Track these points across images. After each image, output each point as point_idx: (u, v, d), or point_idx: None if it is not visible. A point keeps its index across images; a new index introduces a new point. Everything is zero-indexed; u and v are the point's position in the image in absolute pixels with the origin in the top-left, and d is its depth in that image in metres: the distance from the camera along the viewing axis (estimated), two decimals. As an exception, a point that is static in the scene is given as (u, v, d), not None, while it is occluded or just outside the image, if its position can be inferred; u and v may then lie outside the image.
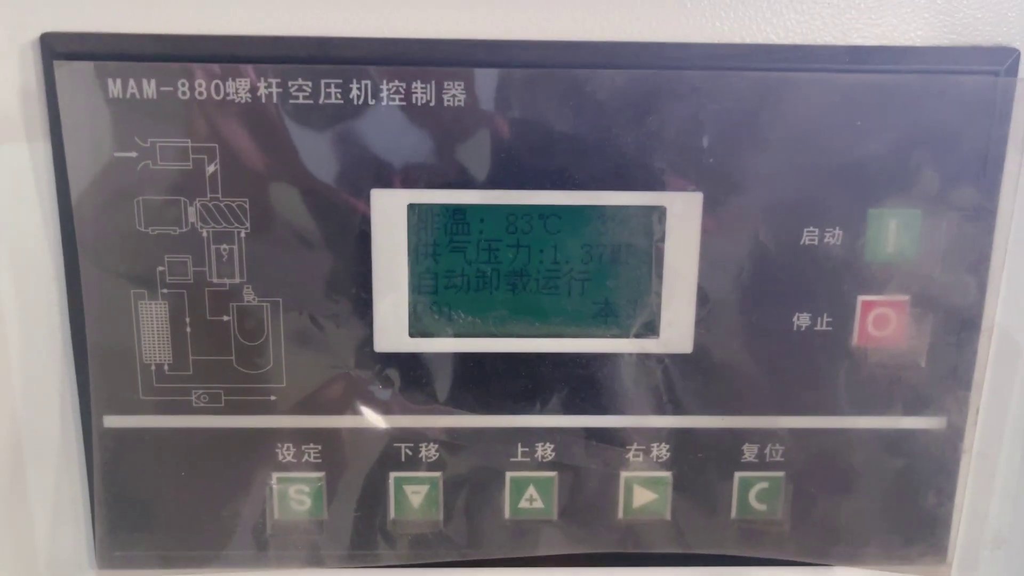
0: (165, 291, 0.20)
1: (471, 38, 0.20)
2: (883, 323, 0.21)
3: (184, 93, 0.19)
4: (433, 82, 0.19)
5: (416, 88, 0.19)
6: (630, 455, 0.22)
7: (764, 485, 0.22)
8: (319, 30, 0.19)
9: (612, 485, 0.22)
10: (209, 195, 0.20)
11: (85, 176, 0.20)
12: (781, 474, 0.22)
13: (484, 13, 0.20)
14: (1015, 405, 0.22)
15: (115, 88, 0.19)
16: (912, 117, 0.20)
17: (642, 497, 0.22)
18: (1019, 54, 0.20)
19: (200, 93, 0.19)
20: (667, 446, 0.22)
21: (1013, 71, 0.20)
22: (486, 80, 0.19)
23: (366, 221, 0.20)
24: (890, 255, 0.21)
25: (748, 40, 0.20)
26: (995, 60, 0.20)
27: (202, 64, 0.19)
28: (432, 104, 0.20)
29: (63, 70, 0.19)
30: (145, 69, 0.19)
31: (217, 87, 0.19)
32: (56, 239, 0.20)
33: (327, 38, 0.19)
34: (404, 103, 0.19)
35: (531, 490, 0.22)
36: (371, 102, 0.19)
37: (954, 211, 0.20)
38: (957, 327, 0.21)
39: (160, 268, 0.20)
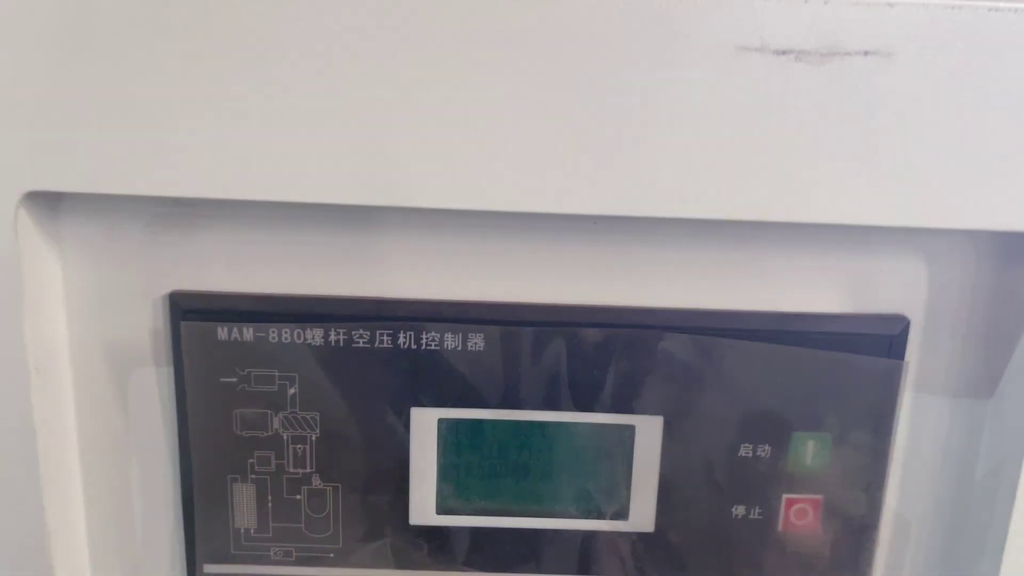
0: (253, 476, 0.27)
1: (488, 301, 0.26)
2: (802, 515, 0.27)
3: (274, 338, 0.26)
4: (460, 334, 0.26)
5: (447, 338, 0.26)
6: (605, 606, 0.28)
7: (708, 632, 0.28)
8: (376, 293, 0.26)
9: (590, 628, 0.28)
10: (289, 409, 0.26)
11: (198, 394, 0.26)
12: (722, 624, 0.28)
13: (499, 283, 0.26)
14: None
15: (223, 333, 0.26)
16: (823, 372, 0.26)
17: (613, 638, 0.28)
18: (908, 322, 0.26)
19: (285, 338, 0.26)
20: (633, 600, 0.28)
21: (904, 335, 0.26)
22: (498, 333, 0.26)
23: (407, 430, 0.27)
24: (807, 466, 0.27)
25: (693, 306, 0.26)
26: (890, 326, 0.26)
27: (290, 325, 0.25)
28: (459, 349, 0.26)
29: (187, 325, 0.25)
30: (246, 321, 0.26)
31: (298, 334, 0.26)
32: (175, 439, 0.27)
33: (382, 300, 0.26)
34: (438, 348, 0.26)
35: (527, 631, 0.28)
36: (414, 347, 0.26)
37: (856, 436, 0.27)
38: (860, 519, 0.27)
39: (251, 460, 0.27)
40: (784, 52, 0.22)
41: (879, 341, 0.26)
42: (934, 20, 0.22)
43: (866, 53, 0.22)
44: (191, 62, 0.22)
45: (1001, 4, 0.22)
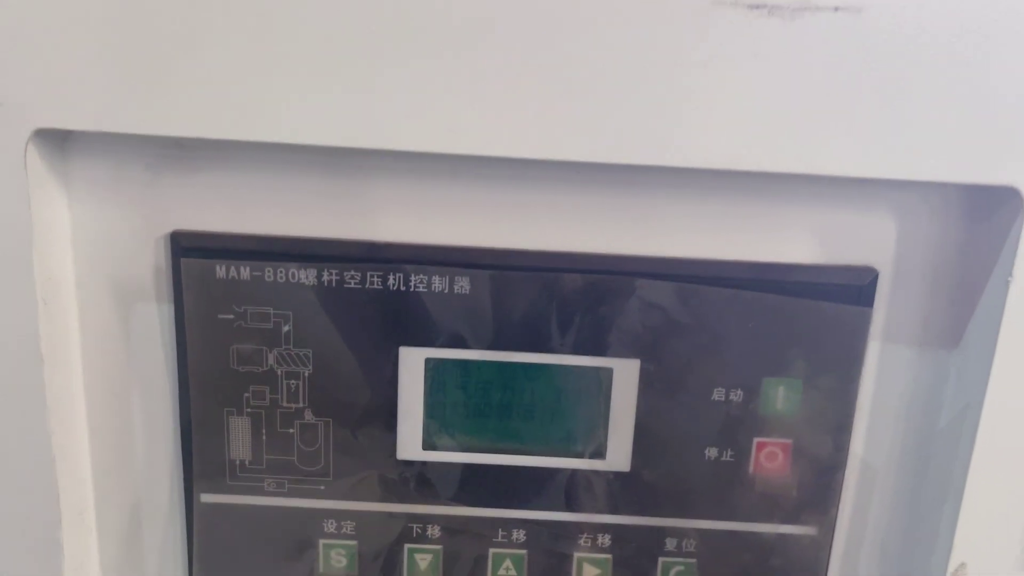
0: (248, 410, 0.28)
1: (474, 246, 0.27)
2: (772, 458, 0.29)
3: (269, 277, 0.27)
4: (447, 277, 0.27)
5: (435, 280, 0.27)
6: (581, 541, 0.30)
7: (680, 568, 0.30)
8: (368, 236, 0.27)
9: (567, 563, 0.30)
10: (283, 346, 0.28)
11: (197, 330, 0.27)
12: (693, 560, 0.30)
13: (485, 229, 0.27)
14: (872, 520, 0.30)
15: (221, 271, 0.27)
16: (793, 320, 0.27)
17: (589, 572, 0.30)
18: (877, 273, 0.27)
19: (280, 277, 0.27)
20: (609, 536, 0.29)
21: (872, 286, 0.27)
22: (484, 277, 0.27)
23: (395, 368, 0.28)
24: (778, 410, 0.28)
25: (670, 254, 0.27)
26: (859, 277, 0.27)
27: (286, 264, 0.27)
28: (446, 292, 0.27)
29: (187, 263, 0.27)
30: (244, 260, 0.27)
31: (292, 274, 0.27)
32: (174, 372, 0.28)
33: (373, 242, 0.27)
34: (426, 290, 0.27)
35: (507, 563, 0.30)
36: (403, 288, 0.27)
37: (825, 382, 0.28)
38: (826, 462, 0.29)
39: (246, 394, 0.28)
40: (757, 7, 0.23)
41: (848, 291, 0.27)
42: (902, -23, 0.23)
43: (836, 8, 0.23)
44: (193, 5, 0.23)
45: (968, -37, 0.23)
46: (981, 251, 0.27)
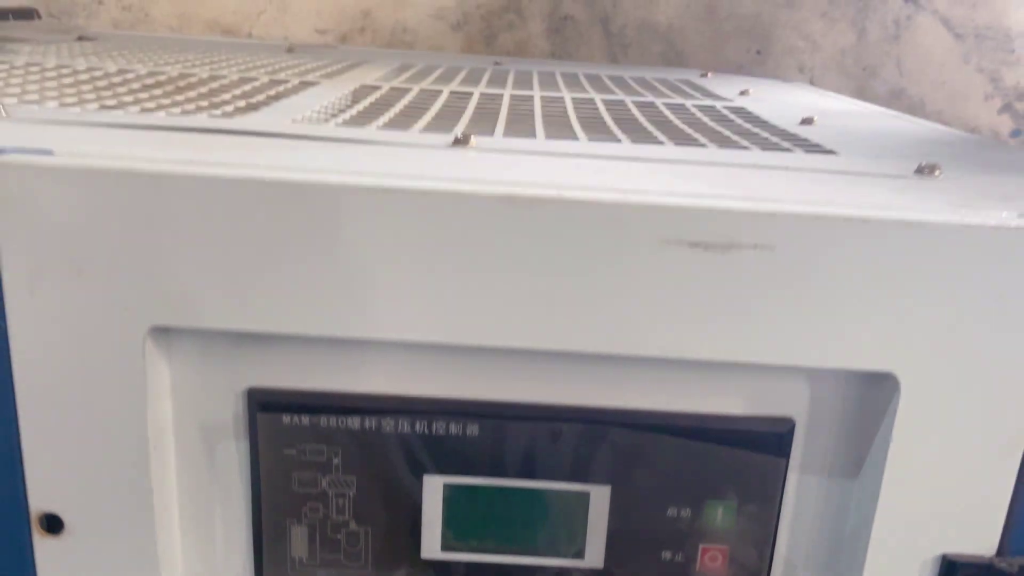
0: (306, 521, 0.36)
1: (480, 400, 0.35)
2: (714, 559, 0.36)
3: (323, 424, 0.35)
4: (460, 423, 0.35)
5: (451, 426, 0.35)
6: (566, 620, 0.38)
7: (643, 641, 0.38)
8: (399, 391, 0.35)
9: (554, 636, 0.38)
10: (333, 474, 0.36)
11: (267, 462, 0.35)
12: (653, 636, 0.38)
13: (488, 387, 0.35)
14: (795, 604, 0.38)
15: (287, 419, 0.35)
16: (730, 459, 0.35)
17: (571, 644, 0.38)
18: (794, 423, 0.35)
19: (331, 424, 0.35)
20: (587, 617, 0.38)
21: (791, 433, 0.35)
22: (489, 424, 0.35)
23: (420, 491, 0.36)
24: (718, 524, 0.36)
25: (634, 407, 0.35)
26: (780, 426, 0.35)
27: (335, 415, 0.35)
28: (459, 434, 0.35)
29: (261, 416, 0.35)
30: (303, 412, 0.35)
31: (341, 421, 0.35)
32: (249, 493, 0.36)
33: (403, 397, 0.35)
34: (444, 433, 0.35)
35: (507, 637, 0.38)
36: (426, 432, 0.35)
37: (754, 504, 0.36)
38: (755, 563, 0.36)
39: (304, 508, 0.36)
40: (695, 244, 0.31)
41: (772, 437, 0.35)
42: (802, 224, 0.31)
43: (755, 246, 0.31)
44: (271, 251, 0.31)
45: (852, 214, 0.31)
46: (872, 404, 0.35)
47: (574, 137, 0.45)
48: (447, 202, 0.31)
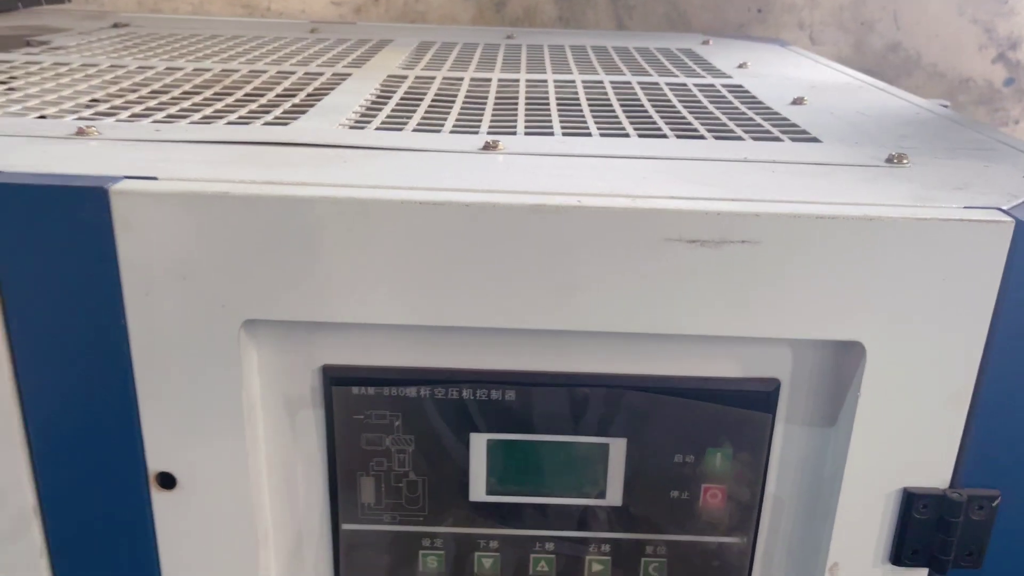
0: (372, 473, 0.43)
1: (515, 370, 0.42)
2: (714, 496, 0.44)
3: (386, 393, 0.42)
4: (500, 390, 0.42)
5: (492, 393, 0.42)
6: (590, 547, 0.45)
7: (655, 564, 0.45)
8: (449, 364, 0.42)
9: (581, 563, 0.45)
10: (395, 434, 0.43)
11: (340, 425, 0.42)
12: (664, 559, 0.45)
13: (521, 358, 0.42)
14: (780, 534, 0.45)
15: (356, 390, 0.42)
16: (725, 411, 0.42)
17: (596, 568, 0.45)
18: (779, 383, 0.41)
19: (393, 393, 0.42)
20: (608, 546, 0.45)
21: (777, 391, 0.41)
22: (524, 390, 0.42)
23: (467, 446, 0.43)
24: (717, 468, 0.43)
25: (643, 372, 0.42)
26: (768, 385, 0.41)
27: (395, 386, 0.41)
28: (499, 399, 0.42)
29: (336, 389, 0.41)
30: (369, 384, 0.42)
31: (400, 391, 0.42)
32: (325, 450, 0.43)
33: (452, 369, 0.42)
34: (487, 399, 0.42)
35: (542, 564, 0.45)
36: (472, 398, 0.42)
37: (747, 450, 0.43)
38: (749, 499, 0.44)
39: (371, 463, 0.43)
40: (693, 241, 0.37)
41: (761, 395, 0.42)
42: (782, 223, 0.37)
43: (743, 241, 0.37)
44: (337, 256, 0.37)
45: (823, 212, 0.37)
46: (847, 367, 0.41)
47: (587, 132, 0.51)
48: (485, 212, 0.37)
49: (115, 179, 0.37)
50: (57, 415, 0.40)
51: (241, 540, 0.43)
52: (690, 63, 0.79)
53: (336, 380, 0.42)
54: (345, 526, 0.45)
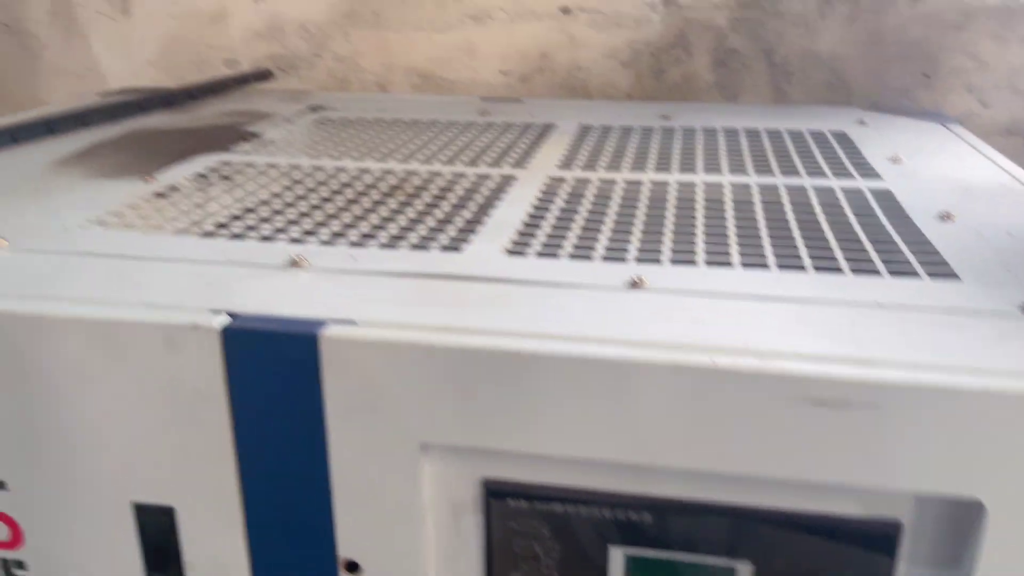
0: (522, 573, 0.50)
1: (649, 495, 0.47)
2: None
3: (535, 506, 0.48)
4: (637, 511, 0.47)
5: (630, 513, 0.47)
6: None
7: None
8: (590, 486, 0.47)
9: None
10: (543, 542, 0.49)
11: (497, 528, 0.49)
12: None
13: (651, 487, 0.46)
14: None
15: (511, 503, 0.48)
16: (843, 552, 0.45)
17: None
18: (901, 525, 0.44)
19: (540, 507, 0.48)
20: None
21: (898, 537, 0.44)
22: (659, 513, 0.46)
23: (606, 555, 0.48)
24: (839, 597, 0.46)
25: (765, 505, 0.45)
26: (888, 527, 0.44)
27: (545, 501, 0.48)
28: (639, 521, 0.47)
29: (494, 502, 0.48)
30: (520, 498, 0.48)
31: (546, 506, 0.48)
32: (483, 550, 0.50)
33: (592, 491, 0.47)
34: (625, 519, 0.47)
35: None
36: (610, 517, 0.47)
37: (868, 584, 0.45)
38: None
39: (522, 565, 0.50)
40: (819, 403, 0.41)
41: (883, 537, 0.45)
42: (903, 391, 0.40)
43: (864, 405, 0.41)
44: (500, 396, 0.44)
45: (946, 383, 0.40)
46: (968, 518, 0.43)
47: (728, 262, 0.55)
48: (624, 368, 0.43)
49: (323, 323, 0.46)
50: (271, 510, 0.49)
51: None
52: (841, 154, 0.81)
53: (493, 493, 0.49)
54: (499, 616, 0.51)
